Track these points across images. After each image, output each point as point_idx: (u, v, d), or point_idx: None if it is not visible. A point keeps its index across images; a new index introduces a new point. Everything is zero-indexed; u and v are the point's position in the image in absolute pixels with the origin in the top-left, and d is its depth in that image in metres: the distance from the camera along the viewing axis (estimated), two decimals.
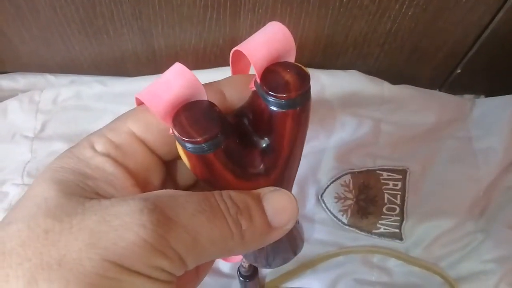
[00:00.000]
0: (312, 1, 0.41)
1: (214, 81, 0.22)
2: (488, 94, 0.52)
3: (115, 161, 0.20)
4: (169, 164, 0.23)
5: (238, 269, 0.42)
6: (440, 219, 0.45)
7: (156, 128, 0.20)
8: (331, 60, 0.49)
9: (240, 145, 0.21)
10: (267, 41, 0.20)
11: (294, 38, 0.20)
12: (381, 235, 0.45)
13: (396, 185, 0.46)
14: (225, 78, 0.22)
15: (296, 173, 0.23)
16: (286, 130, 0.20)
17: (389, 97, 0.49)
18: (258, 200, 0.20)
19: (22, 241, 0.16)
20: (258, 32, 0.20)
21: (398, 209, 0.46)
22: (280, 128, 0.20)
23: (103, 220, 0.17)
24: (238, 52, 0.20)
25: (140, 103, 0.21)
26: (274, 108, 0.19)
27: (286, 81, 0.19)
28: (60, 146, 0.48)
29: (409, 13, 0.42)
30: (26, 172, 0.47)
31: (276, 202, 0.21)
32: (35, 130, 0.49)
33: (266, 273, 0.45)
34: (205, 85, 0.21)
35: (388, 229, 0.45)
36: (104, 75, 0.52)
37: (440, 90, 0.53)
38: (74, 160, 0.20)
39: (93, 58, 0.49)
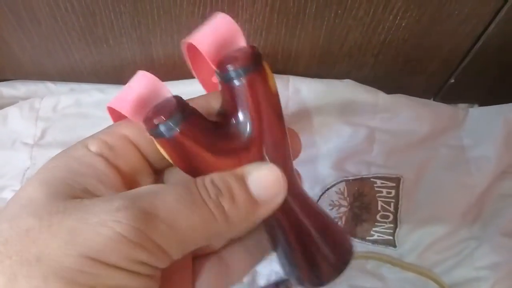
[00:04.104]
0: (308, 12, 0.41)
1: (204, 94, 0.24)
2: (481, 104, 0.53)
3: (107, 160, 0.21)
4: (160, 174, 0.23)
5: None
6: (433, 226, 0.46)
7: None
8: (326, 69, 0.50)
9: (215, 125, 0.22)
10: (211, 30, 0.22)
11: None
12: (375, 242, 0.46)
13: (390, 192, 0.47)
14: (212, 92, 0.24)
15: (285, 150, 0.22)
16: (249, 99, 0.21)
17: (384, 106, 0.49)
18: (241, 178, 0.20)
19: (5, 239, 0.17)
20: (202, 24, 0.22)
21: (391, 216, 0.46)
22: (244, 99, 0.21)
23: (81, 218, 0.17)
24: (189, 45, 0.22)
25: (112, 111, 0.22)
26: (232, 84, 0.21)
27: (235, 57, 0.21)
28: None
29: (403, 24, 0.43)
30: (26, 179, 0.48)
31: (258, 176, 0.20)
32: (35, 137, 0.50)
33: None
34: (198, 97, 0.23)
35: (382, 236, 0.46)
36: (103, 83, 0.52)
37: (434, 99, 0.54)
38: (66, 158, 0.20)
39: (93, 66, 0.50)
